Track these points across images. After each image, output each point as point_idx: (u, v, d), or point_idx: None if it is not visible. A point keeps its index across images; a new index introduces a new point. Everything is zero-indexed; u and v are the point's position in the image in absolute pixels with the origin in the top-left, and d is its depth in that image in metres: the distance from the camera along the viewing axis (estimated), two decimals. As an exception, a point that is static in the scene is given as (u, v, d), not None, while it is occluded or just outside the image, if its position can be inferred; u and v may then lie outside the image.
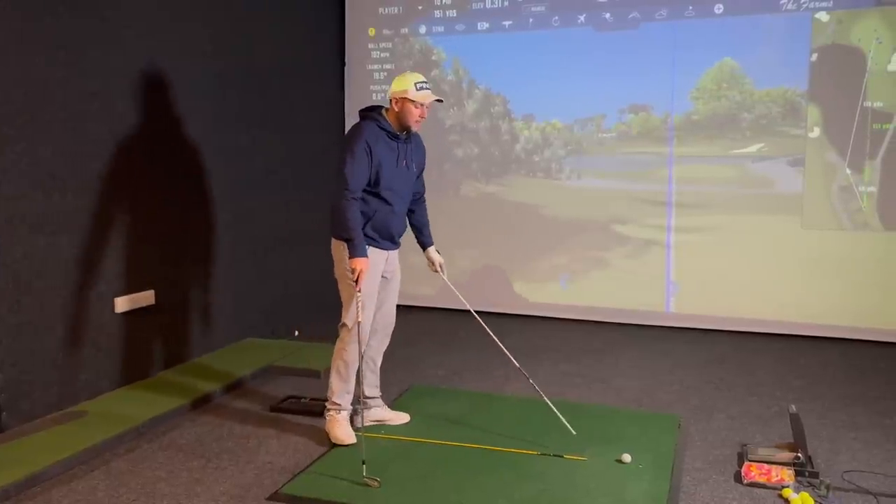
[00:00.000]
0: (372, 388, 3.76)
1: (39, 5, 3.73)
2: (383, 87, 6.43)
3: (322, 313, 6.10)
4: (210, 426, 3.84)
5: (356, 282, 3.41)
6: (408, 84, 3.44)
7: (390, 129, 3.50)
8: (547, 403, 3.61)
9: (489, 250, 6.29)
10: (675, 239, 5.73)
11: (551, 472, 3.23)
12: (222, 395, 4.28)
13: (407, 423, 3.79)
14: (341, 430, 3.58)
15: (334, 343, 3.68)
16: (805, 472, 3.12)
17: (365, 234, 3.48)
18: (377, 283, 3.61)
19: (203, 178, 4.90)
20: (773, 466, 3.17)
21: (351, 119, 6.54)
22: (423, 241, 3.83)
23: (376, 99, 6.44)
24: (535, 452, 3.40)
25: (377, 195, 3.49)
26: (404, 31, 6.33)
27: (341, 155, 3.46)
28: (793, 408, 3.30)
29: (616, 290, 5.91)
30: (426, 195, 3.85)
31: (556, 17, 5.88)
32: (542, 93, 6.00)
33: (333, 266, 3.62)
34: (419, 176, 3.74)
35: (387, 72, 6.41)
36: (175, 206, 4.66)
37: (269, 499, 3.04)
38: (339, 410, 3.63)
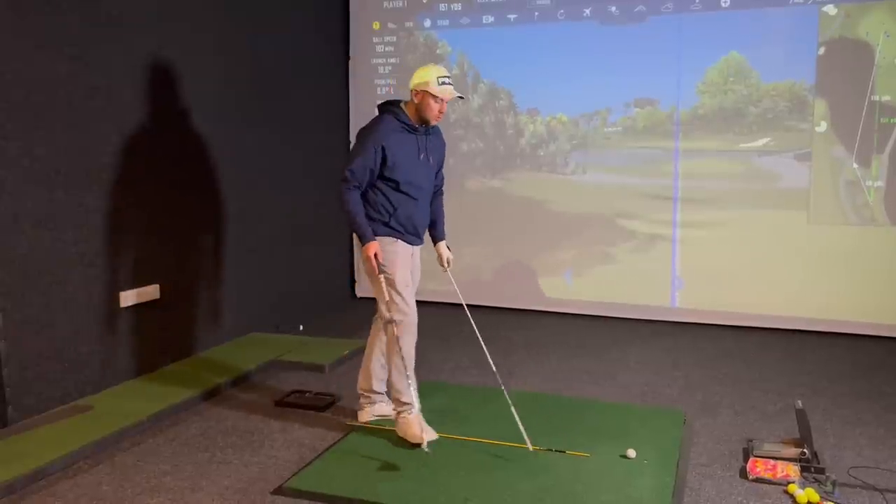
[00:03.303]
0: (380, 382, 3.73)
1: (42, 1, 3.73)
2: (388, 80, 6.42)
3: (326, 308, 6.12)
4: (215, 420, 3.84)
5: (378, 265, 3.35)
6: (430, 77, 3.38)
7: (409, 122, 3.45)
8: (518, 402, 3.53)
9: (493, 245, 6.27)
10: (680, 234, 5.71)
11: (556, 467, 3.22)
12: (227, 389, 4.29)
13: None
14: (417, 429, 3.43)
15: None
16: (811, 468, 3.11)
17: (391, 228, 3.46)
18: (408, 274, 3.54)
19: (208, 173, 4.89)
20: (779, 462, 3.17)
21: (356, 113, 6.54)
22: (435, 235, 3.78)
23: (381, 93, 6.43)
24: (539, 448, 3.39)
25: (398, 189, 3.44)
26: (409, 24, 6.31)
27: (355, 144, 3.45)
28: (799, 403, 3.29)
29: (621, 285, 5.90)
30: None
31: (562, 11, 5.85)
32: (548, 87, 5.98)
33: (362, 265, 3.56)
34: (439, 170, 3.68)
35: (391, 66, 6.40)
36: (180, 202, 4.66)
37: (274, 493, 3.05)
38: (411, 410, 3.51)
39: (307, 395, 4.14)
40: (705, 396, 4.15)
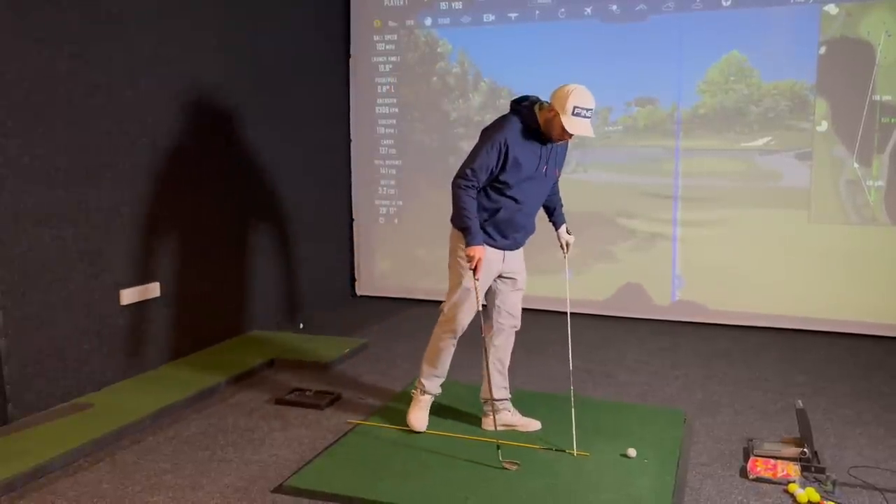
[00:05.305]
0: (500, 389, 3.59)
1: (44, -3, 3.73)
2: (388, 79, 6.42)
3: (327, 306, 6.11)
4: (215, 418, 3.84)
5: (474, 271, 3.26)
6: (567, 104, 3.14)
7: (536, 128, 3.27)
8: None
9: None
10: (681, 233, 5.71)
11: (557, 466, 3.23)
12: (228, 387, 4.29)
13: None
14: (415, 412, 3.55)
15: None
16: (811, 468, 3.12)
17: (483, 230, 3.32)
18: (489, 282, 3.47)
19: (208, 171, 4.89)
20: (779, 461, 3.17)
21: (356, 111, 6.54)
22: (555, 221, 3.72)
23: (382, 91, 6.43)
24: (539, 447, 3.39)
25: (504, 193, 3.30)
26: (410, 22, 6.30)
27: (478, 142, 3.29)
28: (799, 403, 3.29)
29: (621, 284, 5.89)
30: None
31: (563, 9, 5.85)
32: (548, 85, 5.81)
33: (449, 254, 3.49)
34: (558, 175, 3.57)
35: (392, 64, 6.39)
36: (180, 199, 4.65)
37: (274, 491, 3.05)
38: (423, 392, 3.61)
39: (308, 393, 4.13)
40: (705, 396, 4.15)
